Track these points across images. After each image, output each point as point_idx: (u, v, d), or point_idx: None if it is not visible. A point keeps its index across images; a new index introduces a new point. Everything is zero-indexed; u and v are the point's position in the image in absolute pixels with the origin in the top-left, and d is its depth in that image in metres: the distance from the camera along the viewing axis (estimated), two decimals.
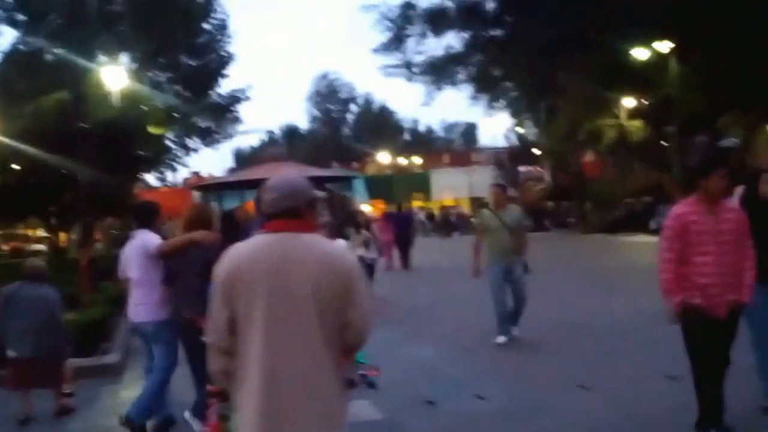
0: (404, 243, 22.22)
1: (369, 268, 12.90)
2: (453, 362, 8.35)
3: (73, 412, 7.13)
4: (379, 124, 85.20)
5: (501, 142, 59.42)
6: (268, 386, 2.82)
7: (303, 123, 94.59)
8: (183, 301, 5.94)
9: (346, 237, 11.55)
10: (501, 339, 9.23)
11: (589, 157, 42.95)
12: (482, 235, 9.60)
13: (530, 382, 7.39)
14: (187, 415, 6.13)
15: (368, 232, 14.62)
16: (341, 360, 3.03)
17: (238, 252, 2.99)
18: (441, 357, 7.05)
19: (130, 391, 7.43)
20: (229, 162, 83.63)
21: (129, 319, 6.60)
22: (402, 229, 22.21)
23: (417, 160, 72.07)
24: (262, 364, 2.83)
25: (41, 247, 30.66)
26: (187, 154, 32.57)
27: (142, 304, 6.29)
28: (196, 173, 58.33)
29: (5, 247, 29.87)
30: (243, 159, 77.81)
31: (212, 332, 2.97)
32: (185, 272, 5.94)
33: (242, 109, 40.23)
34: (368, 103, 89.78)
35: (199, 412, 5.76)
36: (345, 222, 14.06)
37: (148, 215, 6.64)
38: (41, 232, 32.67)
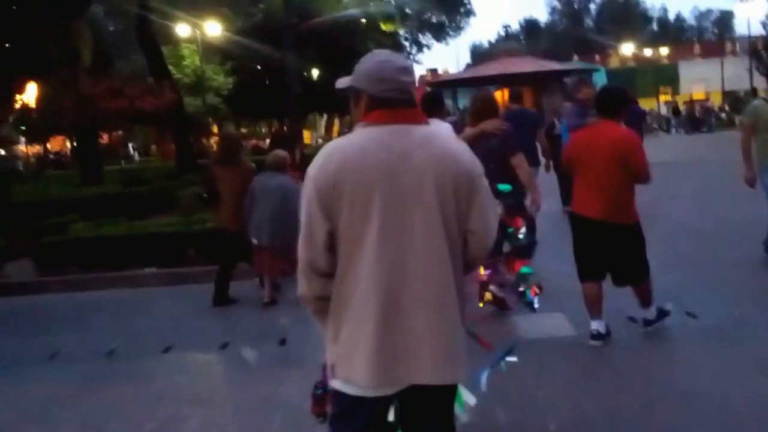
0: None
1: None
2: (664, 271, 7.29)
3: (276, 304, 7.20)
4: (624, 14, 79.31)
5: (758, 30, 52.74)
6: (386, 312, 2.34)
7: (542, 15, 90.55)
8: None
9: None
10: None
11: None
12: (753, 132, 7.92)
13: (755, 301, 6.26)
14: None
15: None
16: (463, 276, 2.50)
17: (339, 148, 2.40)
18: (651, 264, 6.11)
19: None
20: (466, 58, 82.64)
21: None
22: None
23: (664, 51, 66.52)
24: (377, 286, 2.34)
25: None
26: (420, 50, 32.34)
27: None
28: (433, 70, 58.48)
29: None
30: (480, 55, 76.45)
31: (305, 249, 2.43)
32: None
33: (476, 3, 38.78)
34: None
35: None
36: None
37: (434, 104, 6.55)
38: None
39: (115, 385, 5.32)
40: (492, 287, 5.25)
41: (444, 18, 33.10)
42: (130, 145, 30.11)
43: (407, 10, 28.12)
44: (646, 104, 30.67)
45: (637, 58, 64.89)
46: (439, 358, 2.37)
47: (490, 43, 79.23)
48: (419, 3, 29.49)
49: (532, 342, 5.32)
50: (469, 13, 33.73)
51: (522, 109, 8.82)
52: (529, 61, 34.10)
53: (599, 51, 70.71)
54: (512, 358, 3.83)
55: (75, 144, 19.35)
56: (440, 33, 33.17)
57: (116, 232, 8.91)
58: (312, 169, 2.39)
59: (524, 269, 4.33)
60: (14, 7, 12.51)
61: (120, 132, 26.32)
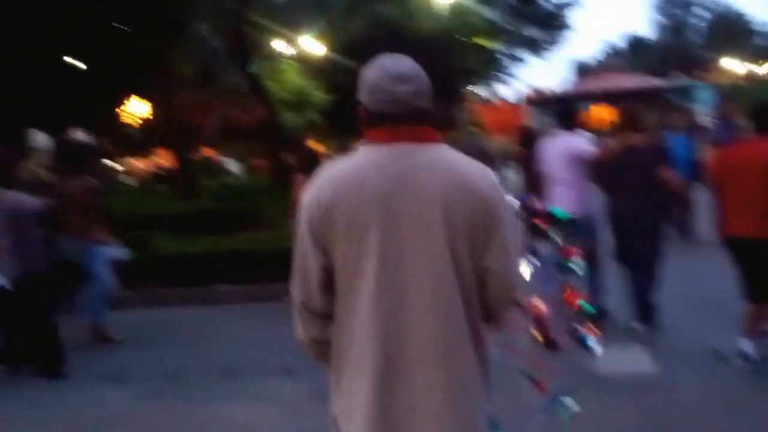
0: None
1: None
2: None
3: None
4: (733, 31, 76.07)
5: None
6: (385, 366, 1.97)
7: (646, 31, 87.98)
8: (625, 202, 6.20)
9: None
10: None
11: None
12: None
13: None
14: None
15: None
16: (486, 325, 2.11)
17: (335, 172, 2.06)
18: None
19: None
20: (570, 75, 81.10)
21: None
22: None
23: None
24: (374, 334, 1.98)
25: None
26: (517, 65, 31.84)
27: (563, 200, 6.50)
28: (534, 88, 57.60)
29: None
30: (583, 72, 74.86)
31: (299, 286, 2.11)
32: (623, 176, 6.15)
33: (576, 18, 38.08)
34: (717, 5, 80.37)
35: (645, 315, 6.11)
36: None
37: (570, 118, 6.96)
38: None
39: (170, 407, 5.25)
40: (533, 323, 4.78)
41: (541, 33, 32.47)
42: (228, 159, 30.80)
43: (504, 25, 27.64)
44: None
45: (749, 76, 62.14)
46: (447, 420, 1.99)
47: (595, 60, 77.51)
48: (514, 18, 29.02)
49: (604, 379, 4.90)
50: (567, 27, 32.90)
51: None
52: (632, 77, 33.14)
53: (705, 68, 68.15)
54: (572, 405, 3.41)
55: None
56: (537, 48, 32.52)
57: (199, 248, 8.95)
58: (306, 196, 2.09)
59: (584, 305, 3.84)
60: (119, 27, 12.90)
61: (217, 147, 26.92)
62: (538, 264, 3.81)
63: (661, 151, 6.52)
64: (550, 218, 3.29)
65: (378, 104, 2.04)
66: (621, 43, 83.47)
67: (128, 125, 18.75)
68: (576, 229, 5.43)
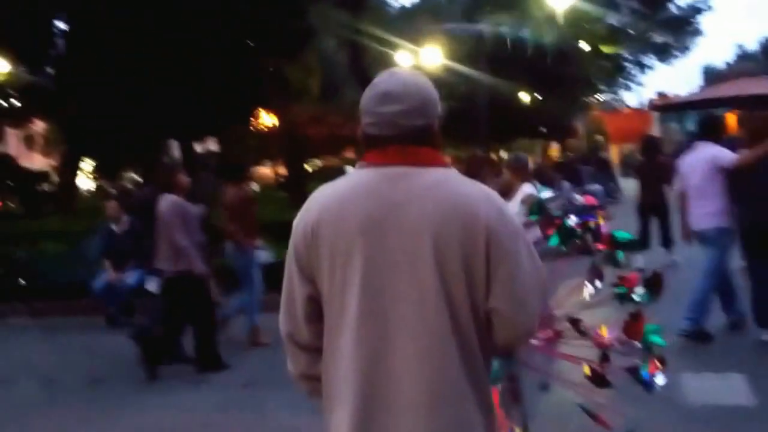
0: None
1: None
2: None
3: None
4: None
5: None
6: (366, 412, 1.82)
7: None
8: (759, 212, 6.22)
9: None
10: None
11: None
12: None
13: None
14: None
15: None
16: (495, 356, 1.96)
17: (321, 197, 1.94)
18: None
19: None
20: (699, 80, 77.78)
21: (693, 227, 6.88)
22: None
23: None
24: (356, 377, 1.83)
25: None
26: (642, 71, 31.15)
27: (707, 212, 6.59)
28: (661, 94, 55.84)
29: None
30: (713, 76, 71.65)
31: (284, 318, 1.99)
32: (760, 185, 6.18)
33: (710, 23, 36.71)
34: None
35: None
36: None
37: (713, 128, 6.97)
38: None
39: (237, 416, 5.50)
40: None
41: (670, 39, 31.59)
42: (347, 168, 31.91)
43: (630, 31, 27.21)
44: None
45: None
46: None
47: (727, 64, 74.09)
48: (642, 23, 28.46)
49: (691, 410, 4.59)
50: (697, 32, 31.87)
51: None
52: (761, 82, 31.64)
53: None
54: None
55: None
56: (665, 54, 31.68)
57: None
58: (295, 219, 1.98)
59: (651, 335, 3.22)
60: (247, 43, 13.85)
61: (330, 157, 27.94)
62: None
63: None
64: (613, 241, 2.99)
65: (367, 126, 1.92)
66: (753, 47, 79.40)
67: (254, 135, 19.90)
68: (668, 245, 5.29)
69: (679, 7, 30.77)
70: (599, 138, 31.01)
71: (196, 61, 12.04)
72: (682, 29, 31.42)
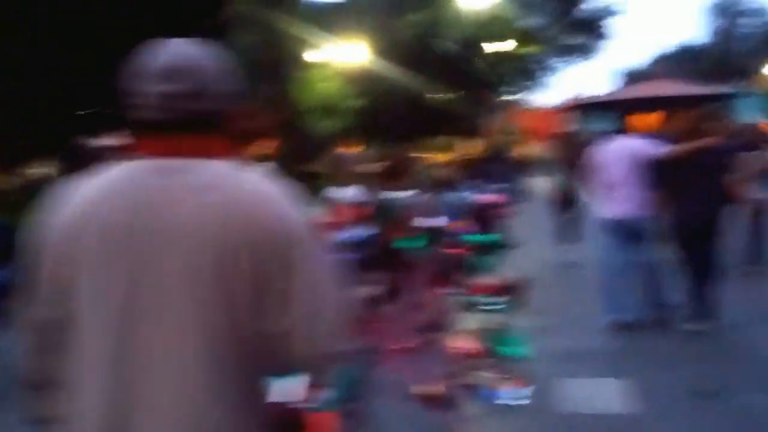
0: None
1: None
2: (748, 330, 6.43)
3: None
4: None
5: None
6: None
7: (697, 38, 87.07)
8: (692, 204, 6.35)
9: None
10: None
11: None
12: None
13: None
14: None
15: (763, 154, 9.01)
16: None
17: (71, 197, 1.56)
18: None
19: None
20: (617, 82, 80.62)
21: (609, 217, 6.90)
22: None
23: None
24: (106, 408, 1.46)
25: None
26: (555, 72, 32.37)
27: (629, 202, 6.71)
28: (577, 94, 57.84)
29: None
30: (631, 78, 74.47)
31: (23, 351, 1.61)
32: (691, 176, 6.33)
33: (625, 26, 38.14)
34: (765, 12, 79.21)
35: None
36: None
37: (630, 122, 7.51)
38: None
39: None
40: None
41: (581, 40, 32.91)
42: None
43: (543, 32, 28.24)
44: None
45: None
46: None
47: (644, 67, 77.03)
48: (555, 25, 29.57)
49: (565, 419, 4.46)
50: (607, 34, 33.29)
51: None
52: (680, 84, 33.33)
53: (754, 75, 67.24)
54: None
55: None
56: (577, 55, 32.98)
57: None
58: (31, 225, 1.63)
59: (510, 347, 2.90)
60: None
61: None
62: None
63: (729, 154, 6.68)
64: (475, 245, 2.94)
65: (137, 109, 1.54)
66: (670, 51, 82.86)
67: None
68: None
69: (590, 9, 32.13)
70: (513, 137, 32.04)
71: (107, 54, 12.05)
72: (593, 31, 32.82)
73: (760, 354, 5.74)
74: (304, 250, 1.52)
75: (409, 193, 3.40)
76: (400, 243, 3.01)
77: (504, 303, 2.91)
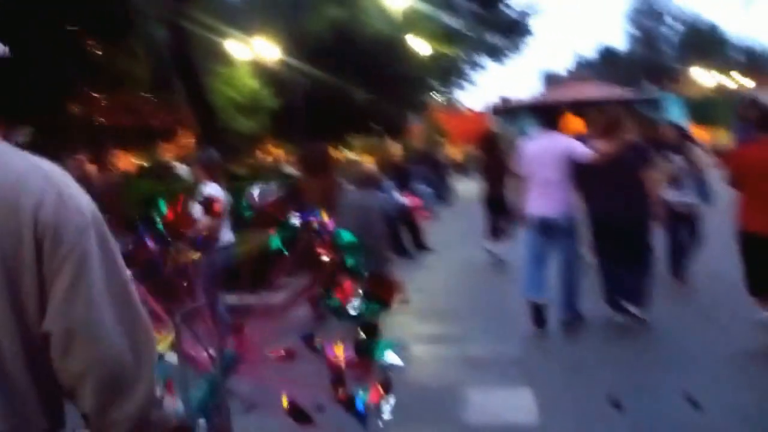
0: None
1: (682, 219, 8.05)
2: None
3: None
4: (701, 40, 77.71)
5: None
6: None
7: (618, 41, 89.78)
8: (618, 201, 6.51)
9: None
10: None
11: None
12: None
13: None
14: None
15: (684, 158, 8.37)
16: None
17: None
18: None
19: None
20: (538, 85, 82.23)
21: (533, 214, 6.90)
22: None
23: (748, 83, 64.82)
24: None
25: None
26: (476, 71, 32.59)
27: (555, 201, 6.76)
28: (504, 98, 58.73)
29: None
30: (553, 81, 76.10)
31: None
32: (616, 175, 6.47)
33: (547, 28, 38.93)
34: (689, 16, 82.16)
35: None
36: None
37: (556, 120, 7.34)
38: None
39: None
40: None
41: (502, 40, 33.25)
42: (180, 164, 31.09)
43: (464, 31, 28.35)
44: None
45: (720, 88, 63.48)
46: None
47: (566, 71, 78.75)
48: (477, 24, 29.73)
49: (476, 429, 4.38)
50: (528, 34, 33.73)
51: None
52: (601, 87, 34.07)
53: (675, 79, 69.53)
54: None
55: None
56: (497, 54, 33.30)
57: None
58: None
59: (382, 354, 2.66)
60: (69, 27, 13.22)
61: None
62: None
63: (648, 151, 6.80)
64: (339, 243, 2.66)
65: None
66: (592, 54, 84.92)
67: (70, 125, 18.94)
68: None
69: (511, 9, 32.52)
70: (438, 138, 32.09)
71: (11, 45, 11.37)
72: (513, 31, 33.20)
73: (681, 358, 5.68)
74: (65, 245, 1.32)
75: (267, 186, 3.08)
76: (270, 241, 2.73)
77: (366, 306, 2.66)
